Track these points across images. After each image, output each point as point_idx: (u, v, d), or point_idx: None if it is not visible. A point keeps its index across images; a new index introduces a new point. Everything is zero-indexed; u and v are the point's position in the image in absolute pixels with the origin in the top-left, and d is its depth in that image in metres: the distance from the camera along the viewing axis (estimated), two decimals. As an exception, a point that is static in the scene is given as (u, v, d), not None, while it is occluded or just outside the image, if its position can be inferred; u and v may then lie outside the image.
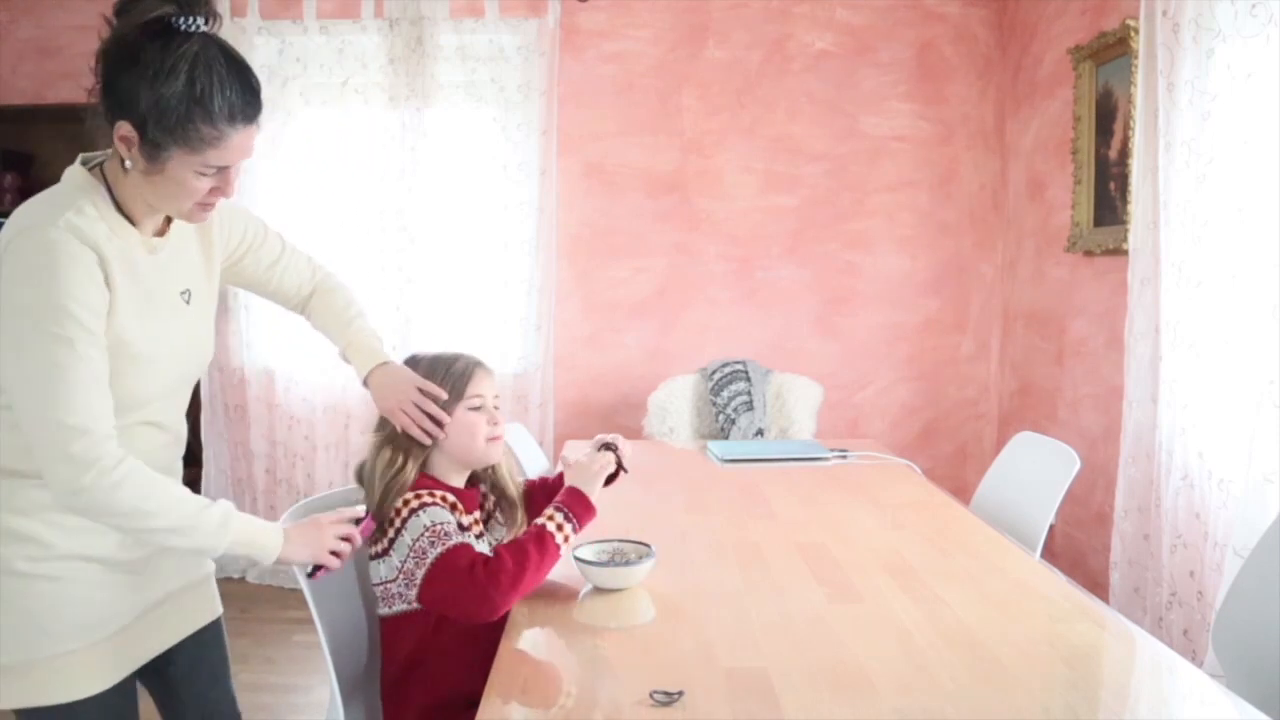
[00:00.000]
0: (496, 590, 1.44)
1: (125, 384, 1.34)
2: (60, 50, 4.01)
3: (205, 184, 1.30)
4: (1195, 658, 2.36)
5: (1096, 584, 3.05)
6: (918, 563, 1.82)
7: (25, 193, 3.88)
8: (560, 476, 1.81)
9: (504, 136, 3.91)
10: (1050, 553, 3.33)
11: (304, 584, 1.55)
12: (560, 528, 1.54)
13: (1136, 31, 2.80)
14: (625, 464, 1.70)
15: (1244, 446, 2.23)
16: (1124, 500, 2.72)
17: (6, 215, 4.31)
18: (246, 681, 3.01)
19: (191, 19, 1.25)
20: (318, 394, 4.00)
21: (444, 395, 1.58)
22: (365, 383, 1.64)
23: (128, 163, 1.29)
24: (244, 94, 1.28)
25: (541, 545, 1.51)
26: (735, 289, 4.08)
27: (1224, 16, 2.30)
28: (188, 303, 1.45)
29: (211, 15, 1.28)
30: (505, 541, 1.71)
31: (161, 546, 1.37)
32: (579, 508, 1.58)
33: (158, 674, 1.54)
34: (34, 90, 4.02)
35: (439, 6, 3.86)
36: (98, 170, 1.35)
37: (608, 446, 1.70)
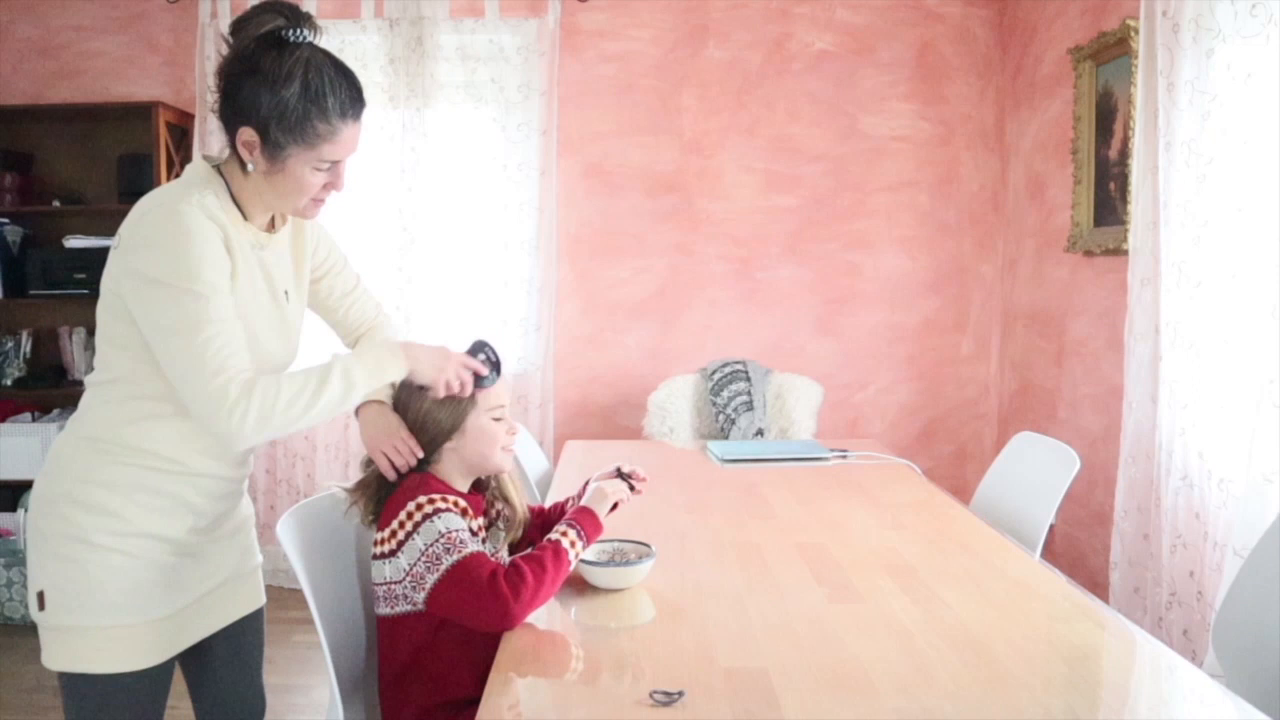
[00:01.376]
0: (517, 602, 1.45)
1: None
2: (60, 50, 4.00)
3: (320, 179, 1.45)
4: (1195, 658, 2.36)
5: (1096, 584, 3.05)
6: (918, 563, 1.82)
7: (25, 193, 3.89)
8: (555, 507, 1.86)
9: (504, 136, 3.91)
10: (1050, 553, 3.33)
11: (302, 579, 1.56)
12: (574, 544, 1.58)
13: (1136, 31, 2.80)
14: (638, 489, 1.75)
15: (1244, 446, 2.23)
16: (1124, 500, 2.72)
17: (7, 215, 4.27)
18: (246, 681, 3.01)
19: (300, 30, 1.40)
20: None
21: (421, 454, 1.60)
22: (356, 413, 1.68)
23: (250, 165, 1.43)
24: (351, 91, 1.44)
25: (557, 560, 1.54)
26: (735, 289, 4.08)
27: (1224, 16, 2.30)
28: (287, 301, 1.57)
29: (315, 28, 1.43)
30: (504, 549, 1.72)
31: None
32: (589, 525, 1.62)
33: (196, 657, 1.61)
34: (34, 90, 4.01)
35: (439, 6, 3.86)
36: (216, 169, 1.47)
37: (623, 475, 1.74)
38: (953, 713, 1.22)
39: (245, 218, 1.48)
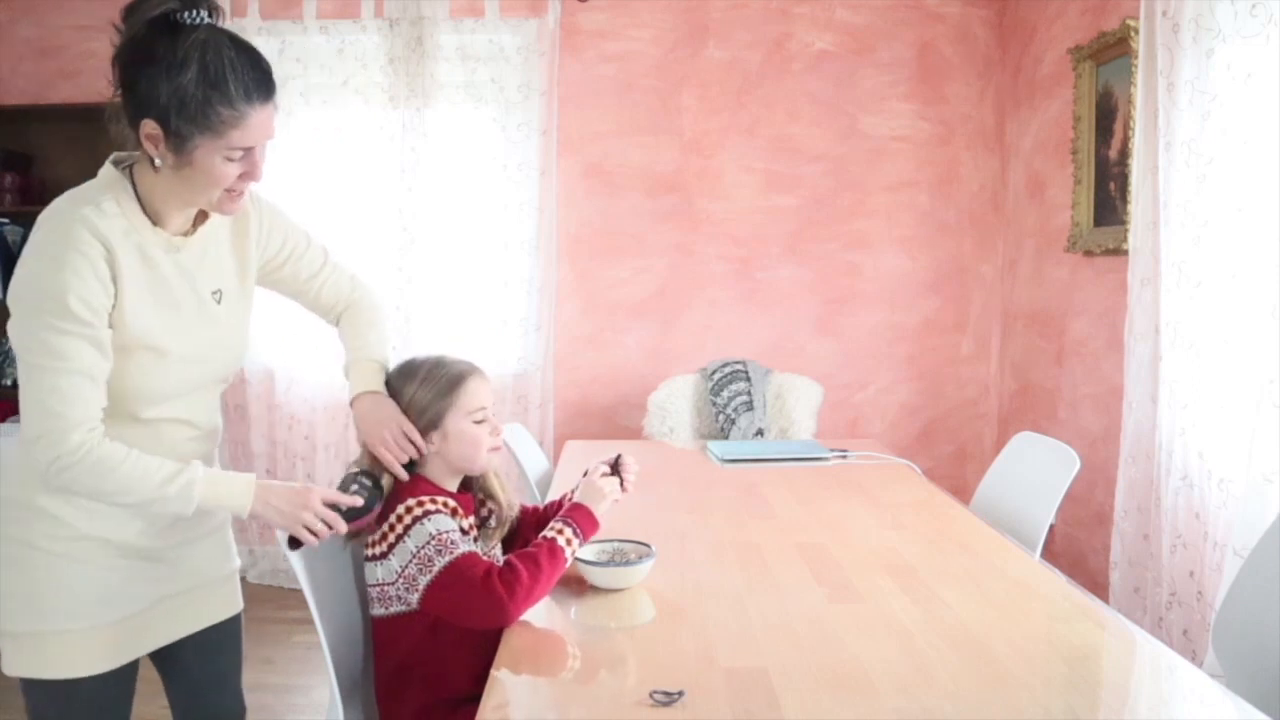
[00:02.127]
0: (512, 599, 1.45)
1: (148, 379, 1.40)
2: (60, 50, 4.00)
3: (233, 169, 1.35)
4: (1195, 658, 2.36)
5: (1096, 584, 3.05)
6: (918, 563, 1.82)
7: (25, 193, 3.89)
8: (549, 507, 1.84)
9: (504, 136, 3.91)
10: (1050, 553, 3.33)
11: (302, 579, 1.56)
12: (569, 541, 1.57)
13: (1136, 31, 2.80)
14: (626, 484, 1.71)
15: (1244, 446, 2.23)
16: (1124, 500, 2.72)
17: (6, 216, 4.28)
18: (247, 681, 2.99)
19: (195, 12, 1.30)
20: (318, 394, 4.00)
21: (422, 444, 1.59)
22: (352, 404, 1.66)
23: (157, 161, 1.34)
24: (255, 73, 1.33)
25: (553, 557, 1.53)
26: (735, 289, 4.08)
27: (1224, 16, 2.30)
28: (218, 303, 1.49)
29: (213, 8, 1.33)
30: (497, 547, 1.72)
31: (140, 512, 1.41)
32: (585, 522, 1.61)
33: (170, 661, 1.59)
34: (34, 90, 4.01)
35: (439, 6, 3.86)
36: (127, 170, 1.41)
37: (614, 469, 1.72)
38: (953, 713, 1.22)
39: (156, 221, 1.40)
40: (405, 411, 1.60)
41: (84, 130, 3.98)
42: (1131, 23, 2.86)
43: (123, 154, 1.42)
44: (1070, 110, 3.38)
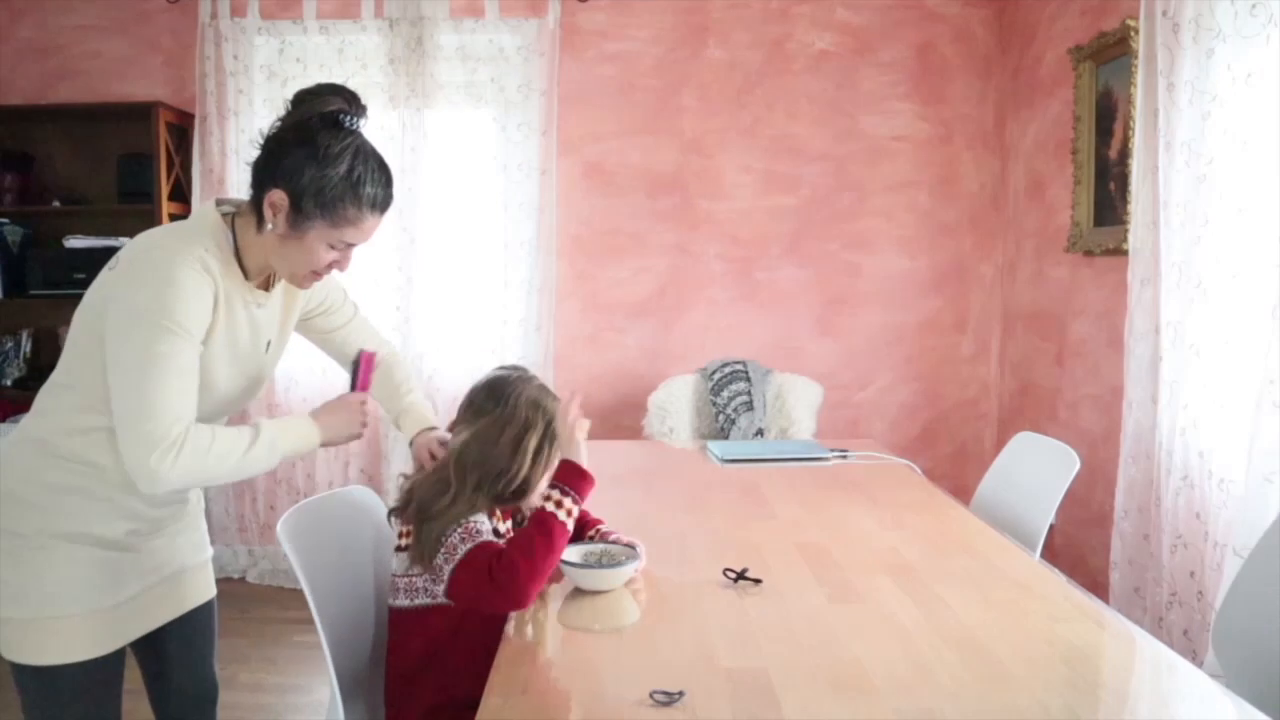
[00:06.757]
0: (514, 585, 1.46)
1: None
2: (60, 50, 4.00)
3: (331, 256, 1.52)
4: (1195, 658, 2.36)
5: (1096, 584, 3.05)
6: (918, 563, 1.82)
7: (25, 193, 3.89)
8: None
9: (504, 136, 3.91)
10: (1050, 553, 3.32)
11: (302, 579, 1.56)
12: (560, 504, 1.54)
13: (1136, 31, 2.80)
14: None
15: (1244, 446, 2.23)
16: (1124, 500, 2.72)
17: (7, 216, 4.26)
18: (247, 681, 3.01)
19: (356, 117, 1.50)
20: (318, 394, 3.99)
21: None
22: (411, 444, 1.81)
23: (269, 225, 1.47)
24: (387, 187, 1.53)
25: (546, 529, 1.51)
26: (735, 289, 4.08)
27: (1224, 17, 2.30)
28: (265, 351, 1.62)
29: (366, 116, 1.52)
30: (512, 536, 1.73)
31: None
32: (576, 480, 1.57)
33: (150, 646, 1.67)
34: (34, 90, 4.01)
35: (439, 6, 3.86)
36: (228, 219, 1.51)
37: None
38: (953, 713, 1.22)
39: (246, 275, 1.52)
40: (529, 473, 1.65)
41: (84, 130, 4.00)
42: (1131, 23, 2.86)
43: (226, 201, 1.54)
44: (1070, 110, 3.38)
